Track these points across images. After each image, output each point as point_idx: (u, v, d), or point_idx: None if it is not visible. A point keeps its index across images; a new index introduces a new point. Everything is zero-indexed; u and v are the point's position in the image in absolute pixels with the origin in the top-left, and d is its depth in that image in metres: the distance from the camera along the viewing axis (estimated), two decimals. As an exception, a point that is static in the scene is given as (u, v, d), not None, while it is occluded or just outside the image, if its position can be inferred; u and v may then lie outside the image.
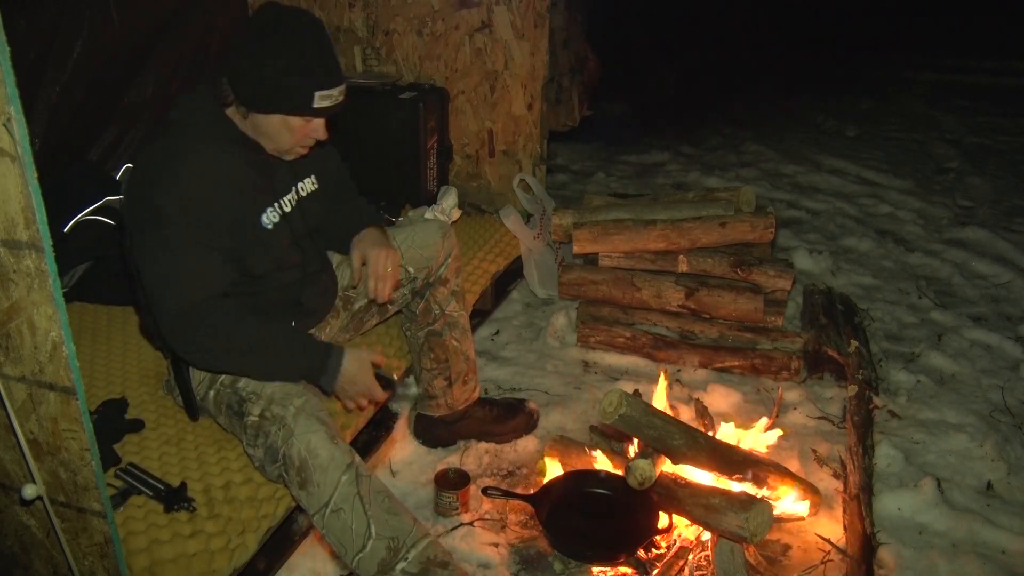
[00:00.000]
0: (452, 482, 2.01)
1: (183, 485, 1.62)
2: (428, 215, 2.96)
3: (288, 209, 1.74)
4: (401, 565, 1.53)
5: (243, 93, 1.56)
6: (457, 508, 1.97)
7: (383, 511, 1.54)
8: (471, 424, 2.26)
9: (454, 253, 2.11)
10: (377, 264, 1.80)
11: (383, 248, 1.82)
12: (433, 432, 2.25)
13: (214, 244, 1.55)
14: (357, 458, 1.57)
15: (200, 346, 1.54)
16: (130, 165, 2.79)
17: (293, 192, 1.77)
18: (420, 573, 1.54)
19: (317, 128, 1.63)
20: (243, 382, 1.66)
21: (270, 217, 1.69)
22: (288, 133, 1.60)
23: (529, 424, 2.33)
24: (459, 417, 2.24)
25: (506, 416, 2.30)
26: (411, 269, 2.02)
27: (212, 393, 1.72)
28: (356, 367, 1.64)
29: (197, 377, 1.74)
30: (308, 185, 1.82)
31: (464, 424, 2.26)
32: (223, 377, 1.70)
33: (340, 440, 1.57)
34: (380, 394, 1.68)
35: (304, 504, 1.55)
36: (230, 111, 1.61)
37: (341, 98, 1.60)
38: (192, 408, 1.79)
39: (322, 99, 1.55)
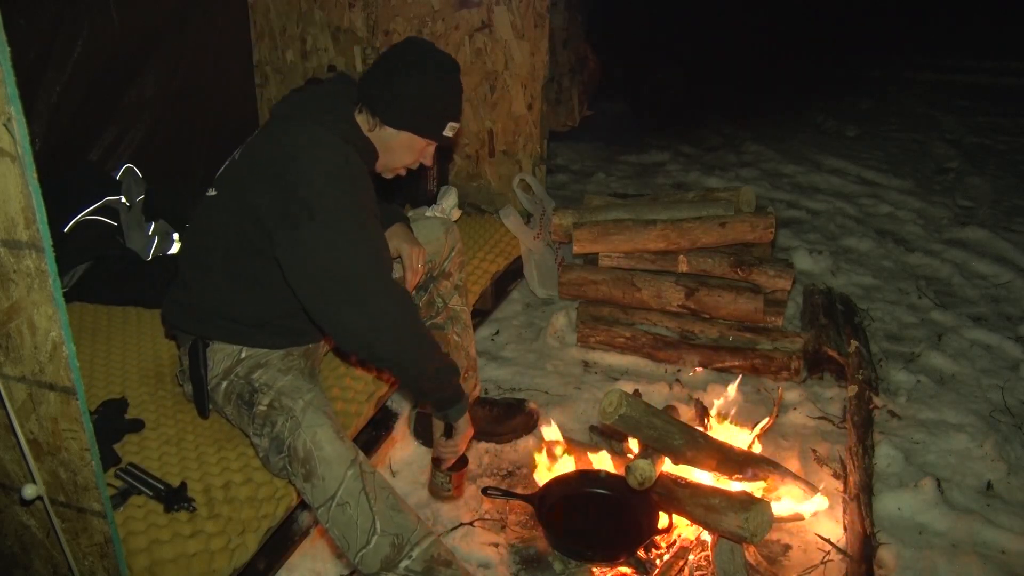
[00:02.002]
0: (453, 464, 1.94)
1: (183, 485, 1.62)
2: (428, 215, 2.96)
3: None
4: (405, 563, 1.53)
5: (383, 106, 1.65)
6: (449, 489, 1.91)
7: (388, 507, 1.54)
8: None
9: (457, 248, 2.13)
10: (411, 259, 1.86)
11: (415, 245, 1.89)
12: (432, 432, 2.24)
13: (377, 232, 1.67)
14: (361, 455, 1.57)
15: (401, 327, 1.54)
16: (131, 165, 2.80)
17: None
18: (424, 571, 1.54)
19: (430, 154, 1.77)
20: (258, 373, 1.67)
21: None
22: (409, 153, 1.73)
23: (529, 424, 2.33)
24: None
25: (506, 416, 2.30)
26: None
27: (224, 384, 1.72)
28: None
29: (213, 369, 1.74)
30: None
31: None
32: (239, 368, 1.70)
33: (345, 436, 1.58)
34: (471, 434, 1.85)
35: (309, 497, 1.55)
36: (359, 118, 1.69)
37: (455, 133, 1.76)
38: (203, 400, 1.77)
39: (450, 129, 1.73)
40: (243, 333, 1.73)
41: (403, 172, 1.80)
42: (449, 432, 1.82)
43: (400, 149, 1.71)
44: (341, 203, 1.51)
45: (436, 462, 1.93)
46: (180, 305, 1.77)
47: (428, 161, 1.77)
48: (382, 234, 1.77)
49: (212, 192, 1.71)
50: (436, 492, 1.95)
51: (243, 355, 1.72)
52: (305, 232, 1.48)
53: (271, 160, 1.56)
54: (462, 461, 1.95)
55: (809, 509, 1.97)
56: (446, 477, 1.90)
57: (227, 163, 1.73)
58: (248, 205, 1.57)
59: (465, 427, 1.79)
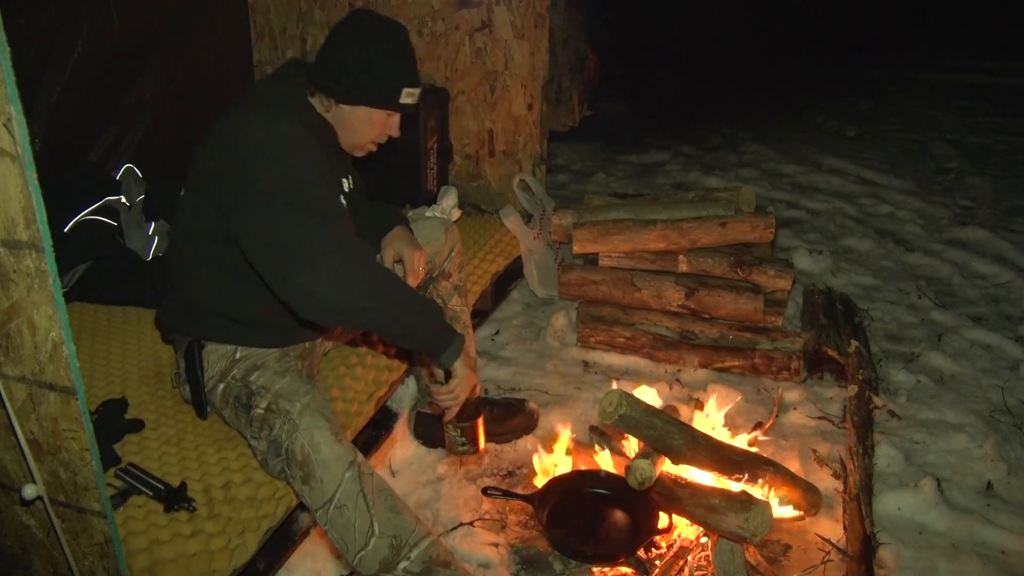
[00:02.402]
0: (462, 416, 1.82)
1: (183, 485, 1.62)
2: (428, 215, 2.96)
3: (344, 203, 1.81)
4: (403, 564, 1.53)
5: (332, 84, 1.64)
6: (464, 443, 1.80)
7: (386, 509, 1.54)
8: None
9: (457, 248, 2.12)
10: (412, 262, 1.85)
11: (416, 248, 1.88)
12: (432, 431, 2.24)
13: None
14: (360, 456, 1.57)
15: (356, 276, 1.43)
16: (131, 165, 2.80)
17: (345, 183, 1.87)
18: (422, 572, 1.54)
19: (394, 125, 1.74)
20: (255, 375, 1.67)
21: (342, 203, 1.75)
22: (370, 127, 1.70)
23: (529, 424, 2.33)
24: None
25: (506, 416, 2.30)
26: None
27: (222, 386, 1.71)
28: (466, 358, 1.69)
29: (209, 371, 1.74)
30: (348, 183, 1.91)
31: None
32: (235, 371, 1.70)
33: (343, 438, 1.58)
34: (476, 380, 1.74)
35: (307, 500, 1.55)
36: (314, 100, 1.68)
37: (417, 100, 1.72)
38: (200, 402, 1.76)
39: (407, 96, 1.68)
40: (236, 331, 1.72)
41: (373, 148, 1.78)
42: (447, 379, 1.71)
43: (360, 125, 1.69)
44: (273, 172, 1.45)
45: (446, 419, 1.80)
46: (172, 307, 1.78)
47: (394, 132, 1.74)
48: (332, 196, 1.62)
49: (183, 192, 1.74)
50: (452, 449, 1.85)
51: (238, 355, 1.72)
52: (246, 211, 1.45)
53: (212, 152, 1.57)
54: (471, 412, 1.81)
55: (786, 513, 1.97)
56: (456, 430, 1.79)
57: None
58: (206, 199, 1.59)
59: (462, 371, 1.69)
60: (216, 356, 1.73)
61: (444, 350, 1.63)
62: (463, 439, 1.80)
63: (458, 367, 1.68)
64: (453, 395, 1.71)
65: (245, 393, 1.66)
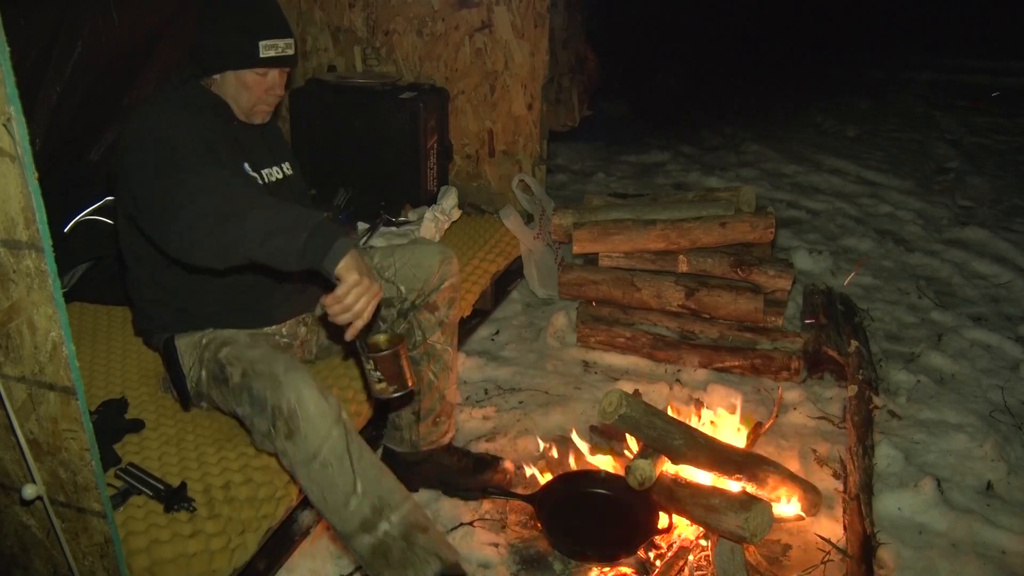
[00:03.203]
0: (375, 347, 1.50)
1: (183, 485, 1.62)
2: (428, 215, 2.96)
3: (272, 180, 1.81)
4: (384, 527, 1.49)
5: (198, 59, 1.67)
6: (379, 378, 1.47)
7: (371, 467, 1.51)
8: (430, 470, 2.05)
9: (451, 282, 1.96)
10: (346, 288, 1.39)
11: (364, 277, 1.40)
12: (392, 470, 1.75)
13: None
14: (345, 414, 1.51)
15: (212, 210, 1.37)
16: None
17: (276, 169, 1.85)
18: (402, 536, 1.51)
19: (273, 83, 1.71)
20: (224, 351, 1.66)
21: (248, 171, 1.75)
22: (245, 90, 1.69)
23: (504, 482, 2.07)
24: (420, 459, 2.05)
25: (475, 469, 2.07)
26: (402, 288, 1.92)
27: (204, 373, 1.71)
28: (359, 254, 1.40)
29: (187, 361, 1.74)
30: (287, 169, 1.89)
31: (423, 468, 2.05)
32: (206, 353, 1.70)
33: (330, 395, 1.51)
34: (377, 288, 1.40)
35: (288, 456, 1.49)
36: (204, 82, 1.71)
37: (290, 51, 1.68)
38: (184, 394, 1.77)
39: (267, 48, 1.64)
40: (198, 317, 1.76)
41: (266, 108, 1.76)
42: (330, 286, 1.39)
43: (236, 89, 1.69)
44: (146, 146, 1.52)
45: (347, 337, 1.41)
46: (138, 312, 1.83)
47: (278, 90, 1.73)
48: (198, 150, 1.53)
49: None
50: (372, 391, 1.50)
51: (204, 340, 1.73)
52: (124, 185, 1.55)
53: (117, 148, 1.66)
54: (389, 342, 1.51)
55: (788, 511, 1.97)
56: (370, 363, 1.46)
57: None
58: (121, 197, 1.65)
59: (350, 275, 1.35)
60: (187, 345, 1.74)
61: (324, 255, 1.34)
62: (379, 374, 1.47)
63: (342, 270, 1.35)
64: (343, 304, 1.36)
65: (217, 368, 1.66)
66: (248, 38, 1.63)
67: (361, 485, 1.48)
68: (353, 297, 1.36)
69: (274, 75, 1.71)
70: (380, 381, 1.47)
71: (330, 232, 1.36)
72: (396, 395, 1.49)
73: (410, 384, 1.50)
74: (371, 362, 1.46)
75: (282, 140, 1.96)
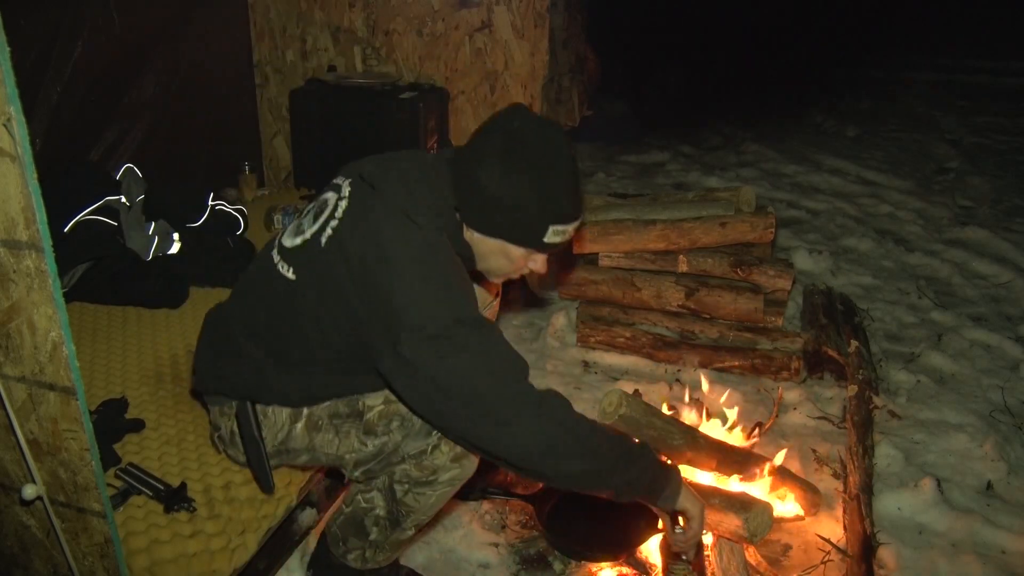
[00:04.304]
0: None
1: (183, 485, 1.62)
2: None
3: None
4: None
5: (467, 208, 1.36)
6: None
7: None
8: None
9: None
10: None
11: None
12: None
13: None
14: None
15: (559, 436, 1.27)
16: (131, 165, 2.80)
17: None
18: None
19: (538, 260, 1.43)
20: (352, 397, 1.51)
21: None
22: (505, 260, 1.41)
23: (504, 482, 2.03)
24: None
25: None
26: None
27: (300, 424, 1.51)
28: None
29: (271, 426, 1.52)
30: None
31: None
32: (315, 408, 1.52)
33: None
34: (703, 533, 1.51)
35: (442, 474, 1.44)
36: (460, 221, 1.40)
37: (571, 235, 1.39)
38: (262, 465, 1.52)
39: (554, 234, 1.35)
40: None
41: (516, 276, 1.50)
42: (675, 519, 1.51)
43: (492, 255, 1.41)
44: (440, 310, 1.25)
45: (688, 558, 1.61)
46: (236, 378, 1.50)
47: (540, 268, 1.44)
48: (489, 322, 1.35)
49: (289, 273, 1.40)
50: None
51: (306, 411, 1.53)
52: (409, 351, 1.23)
53: (362, 258, 1.28)
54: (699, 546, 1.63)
55: (788, 511, 1.97)
56: (685, 568, 1.61)
57: (302, 238, 1.40)
58: (343, 304, 1.32)
59: (693, 507, 1.46)
60: (279, 412, 1.54)
61: (661, 492, 1.44)
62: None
63: (685, 504, 1.46)
64: (697, 538, 1.52)
65: (347, 406, 1.50)
66: (538, 218, 1.33)
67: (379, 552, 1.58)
68: (700, 528, 1.50)
69: (542, 257, 1.43)
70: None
71: (664, 469, 1.46)
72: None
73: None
74: (687, 568, 1.63)
75: None
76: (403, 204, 1.30)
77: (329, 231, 1.35)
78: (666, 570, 1.65)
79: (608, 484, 1.37)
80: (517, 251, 1.38)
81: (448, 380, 1.23)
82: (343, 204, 1.37)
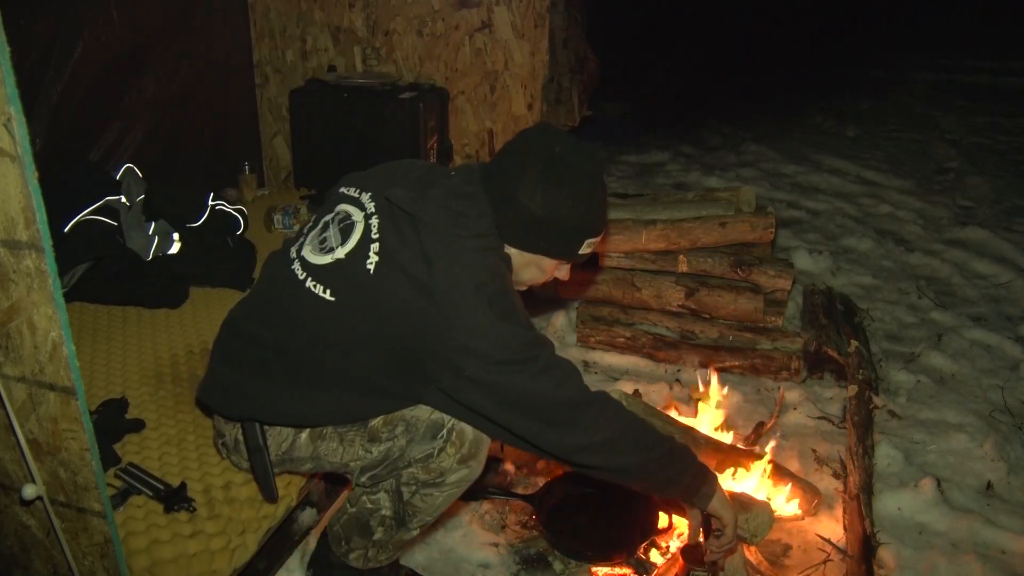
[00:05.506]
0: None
1: (183, 485, 1.62)
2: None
3: None
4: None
5: (507, 224, 1.38)
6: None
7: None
8: None
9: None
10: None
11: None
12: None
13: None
14: None
15: (617, 434, 1.37)
16: (131, 165, 2.79)
17: None
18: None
19: (564, 270, 1.52)
20: None
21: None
22: (538, 271, 1.48)
23: (504, 482, 2.07)
24: None
25: None
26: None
27: (303, 435, 1.51)
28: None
29: (275, 436, 1.51)
30: None
31: None
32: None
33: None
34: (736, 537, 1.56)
35: (449, 476, 1.45)
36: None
37: (595, 246, 1.49)
38: (266, 473, 1.53)
39: (587, 246, 1.44)
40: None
41: (539, 285, 1.56)
42: (708, 524, 1.57)
43: (526, 268, 1.46)
44: (507, 337, 1.29)
45: (691, 556, 1.64)
46: (245, 401, 1.46)
47: (565, 276, 1.53)
48: (545, 338, 1.39)
49: (326, 295, 1.35)
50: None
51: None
52: (477, 375, 1.27)
53: (422, 287, 1.28)
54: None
55: (788, 510, 1.97)
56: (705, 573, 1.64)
57: (332, 256, 1.37)
58: (393, 330, 1.31)
59: (727, 514, 1.52)
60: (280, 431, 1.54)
61: (697, 492, 1.50)
62: None
63: (718, 509, 1.52)
64: (731, 545, 1.58)
65: None
66: (575, 233, 1.41)
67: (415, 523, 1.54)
68: (733, 532, 1.55)
69: (568, 267, 1.52)
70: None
71: (702, 471, 1.51)
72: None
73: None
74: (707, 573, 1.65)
75: None
76: (452, 230, 1.32)
77: (373, 256, 1.33)
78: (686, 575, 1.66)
79: (654, 478, 1.46)
80: (550, 263, 1.46)
81: (517, 398, 1.30)
82: (375, 223, 1.36)
